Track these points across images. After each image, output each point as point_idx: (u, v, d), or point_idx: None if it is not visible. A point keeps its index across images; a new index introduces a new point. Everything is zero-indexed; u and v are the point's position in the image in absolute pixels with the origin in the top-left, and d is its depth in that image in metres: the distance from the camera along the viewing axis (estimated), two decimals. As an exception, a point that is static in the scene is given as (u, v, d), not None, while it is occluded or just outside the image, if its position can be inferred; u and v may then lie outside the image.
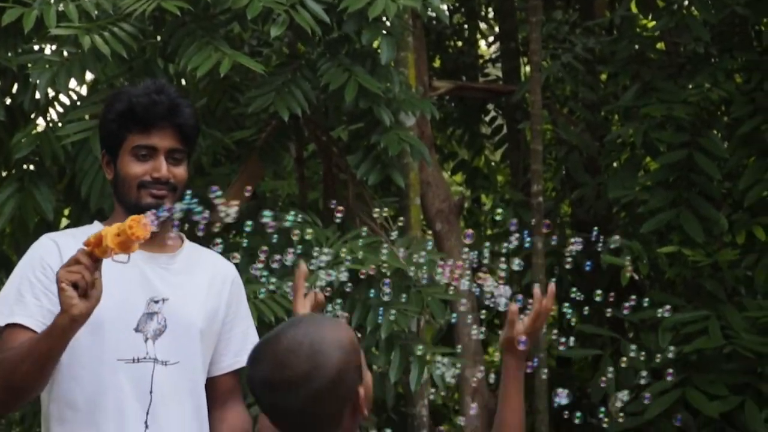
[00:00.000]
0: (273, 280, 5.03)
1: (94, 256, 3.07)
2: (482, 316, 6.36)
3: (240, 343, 3.65)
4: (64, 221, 6.02)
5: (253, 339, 3.69)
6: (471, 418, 6.44)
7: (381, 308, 5.25)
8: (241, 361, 3.63)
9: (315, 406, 2.71)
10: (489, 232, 8.61)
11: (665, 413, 5.90)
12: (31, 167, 5.52)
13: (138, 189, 3.47)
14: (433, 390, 6.05)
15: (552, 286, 3.24)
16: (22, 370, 3.20)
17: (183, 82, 6.00)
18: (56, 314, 3.17)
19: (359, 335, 5.48)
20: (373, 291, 5.29)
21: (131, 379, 3.38)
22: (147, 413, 3.39)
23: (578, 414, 3.31)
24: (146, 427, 3.39)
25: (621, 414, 5.84)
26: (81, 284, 3.05)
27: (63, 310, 3.07)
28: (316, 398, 2.71)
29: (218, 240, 3.50)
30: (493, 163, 9.15)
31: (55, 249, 3.44)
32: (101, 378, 3.36)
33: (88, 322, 3.16)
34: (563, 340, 3.44)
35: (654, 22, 7.38)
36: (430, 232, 6.70)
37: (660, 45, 7.28)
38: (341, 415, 2.75)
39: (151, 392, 3.40)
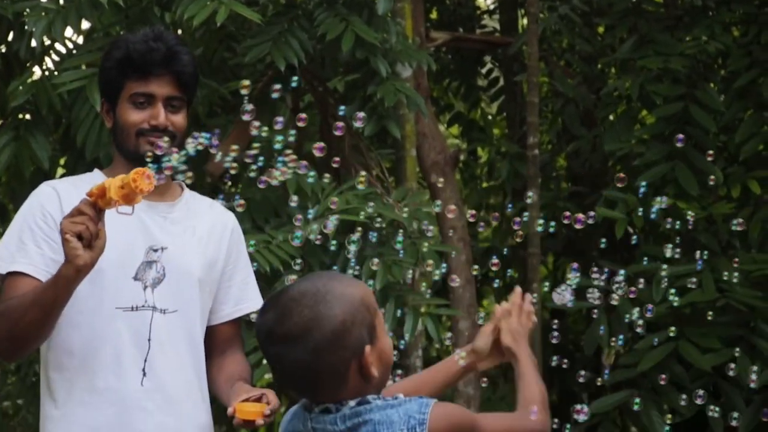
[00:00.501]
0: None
1: (97, 206, 3.08)
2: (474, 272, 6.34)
3: (239, 293, 3.67)
4: (60, 170, 6.02)
5: (252, 288, 3.71)
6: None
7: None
8: (241, 310, 3.67)
9: (315, 359, 2.68)
10: (484, 185, 8.61)
11: (658, 366, 5.92)
12: (27, 116, 5.51)
13: (136, 137, 3.48)
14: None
15: (528, 296, 3.31)
16: (27, 320, 3.23)
17: (179, 31, 5.98)
18: (59, 263, 3.21)
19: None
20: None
21: (129, 327, 3.40)
22: (145, 361, 3.41)
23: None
24: (144, 374, 3.41)
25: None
26: (85, 235, 3.08)
27: (67, 260, 3.10)
28: (317, 350, 2.67)
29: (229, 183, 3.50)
30: (489, 116, 9.13)
31: (56, 196, 3.45)
32: (99, 325, 3.38)
33: None
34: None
35: (651, -26, 7.36)
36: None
37: (657, -3, 7.27)
38: (346, 372, 2.71)
39: (149, 340, 3.42)
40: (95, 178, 3.56)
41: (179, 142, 3.50)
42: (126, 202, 3.06)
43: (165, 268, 3.45)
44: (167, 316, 3.44)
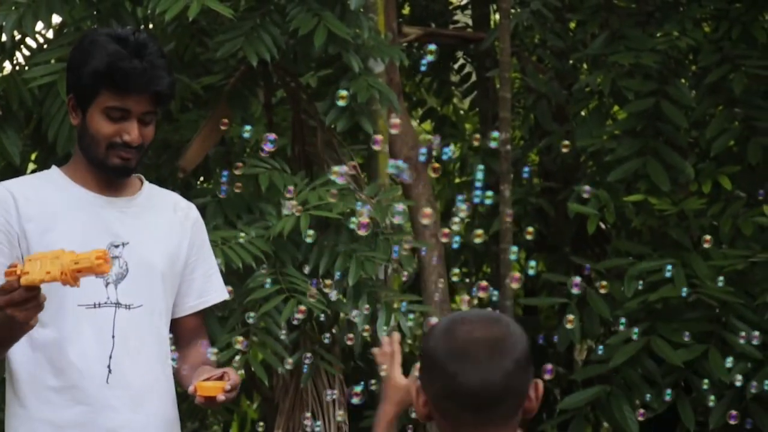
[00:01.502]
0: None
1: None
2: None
3: (203, 284, 3.66)
4: (31, 166, 5.99)
5: (216, 279, 3.71)
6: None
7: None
8: (205, 302, 3.66)
9: (509, 378, 2.42)
10: (457, 180, 8.61)
11: (630, 361, 5.94)
12: (-2, 111, 5.49)
13: (107, 149, 3.42)
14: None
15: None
16: None
17: (150, 26, 5.95)
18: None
19: (328, 281, 5.52)
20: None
21: (93, 324, 3.38)
22: (109, 358, 3.39)
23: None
24: (109, 371, 3.39)
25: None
26: (38, 318, 3.08)
27: (19, 329, 3.09)
28: (518, 362, 2.43)
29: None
30: (461, 111, 9.13)
31: (11, 199, 3.41)
32: (63, 323, 3.36)
33: None
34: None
35: (623, -30, 7.36)
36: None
37: (629, -7, 7.27)
38: (522, 402, 2.47)
39: (113, 337, 3.40)
40: (53, 175, 3.53)
41: (145, 151, 3.49)
42: (74, 281, 3.01)
43: (128, 263, 3.43)
44: (132, 312, 3.42)
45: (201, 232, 3.68)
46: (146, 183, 3.63)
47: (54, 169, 3.57)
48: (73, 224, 3.35)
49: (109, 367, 3.39)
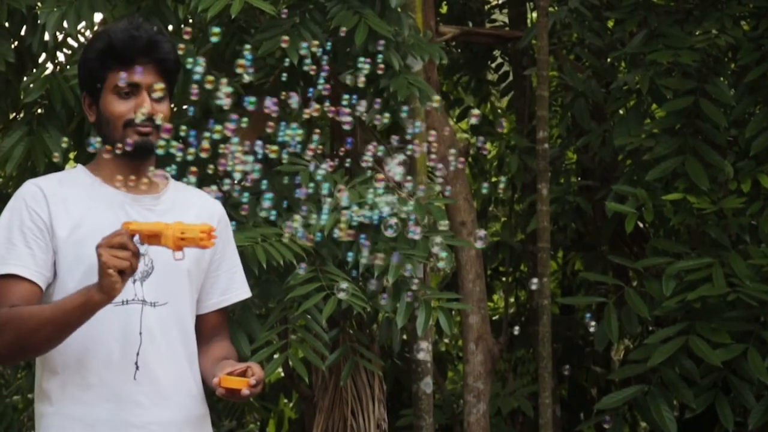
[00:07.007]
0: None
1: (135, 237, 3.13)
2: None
3: (227, 282, 3.67)
4: (71, 164, 6.02)
5: (240, 277, 3.72)
6: (474, 364, 6.47)
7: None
8: (228, 299, 3.68)
9: None
10: (494, 179, 8.62)
11: (668, 361, 5.92)
12: (40, 111, 5.51)
13: (124, 128, 3.43)
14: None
15: None
16: (41, 335, 3.24)
17: (190, 21, 5.97)
18: (48, 262, 3.33)
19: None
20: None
21: (120, 321, 3.39)
22: (137, 354, 3.40)
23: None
24: (137, 368, 3.40)
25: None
26: (128, 272, 3.10)
27: (104, 291, 3.12)
28: None
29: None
30: (499, 110, 9.13)
31: (41, 195, 3.42)
32: (90, 321, 3.35)
33: (78, 265, 3.30)
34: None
35: (662, -32, 7.34)
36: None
37: (668, -9, 7.25)
38: None
39: (140, 333, 3.41)
40: (79, 174, 3.54)
41: (164, 131, 3.49)
42: (177, 249, 3.12)
43: (153, 261, 3.44)
44: (157, 309, 3.43)
45: (226, 229, 3.69)
46: (172, 181, 3.63)
47: (80, 167, 3.59)
48: (99, 222, 3.33)
49: (136, 363, 3.40)
